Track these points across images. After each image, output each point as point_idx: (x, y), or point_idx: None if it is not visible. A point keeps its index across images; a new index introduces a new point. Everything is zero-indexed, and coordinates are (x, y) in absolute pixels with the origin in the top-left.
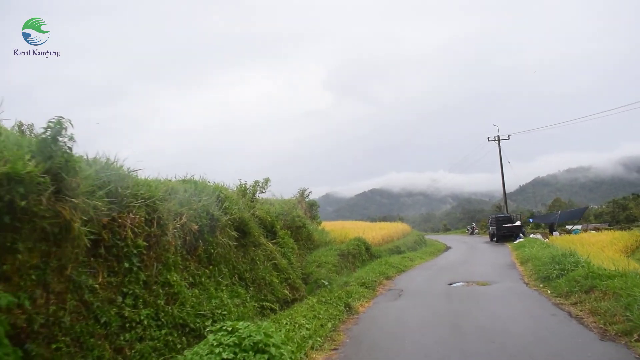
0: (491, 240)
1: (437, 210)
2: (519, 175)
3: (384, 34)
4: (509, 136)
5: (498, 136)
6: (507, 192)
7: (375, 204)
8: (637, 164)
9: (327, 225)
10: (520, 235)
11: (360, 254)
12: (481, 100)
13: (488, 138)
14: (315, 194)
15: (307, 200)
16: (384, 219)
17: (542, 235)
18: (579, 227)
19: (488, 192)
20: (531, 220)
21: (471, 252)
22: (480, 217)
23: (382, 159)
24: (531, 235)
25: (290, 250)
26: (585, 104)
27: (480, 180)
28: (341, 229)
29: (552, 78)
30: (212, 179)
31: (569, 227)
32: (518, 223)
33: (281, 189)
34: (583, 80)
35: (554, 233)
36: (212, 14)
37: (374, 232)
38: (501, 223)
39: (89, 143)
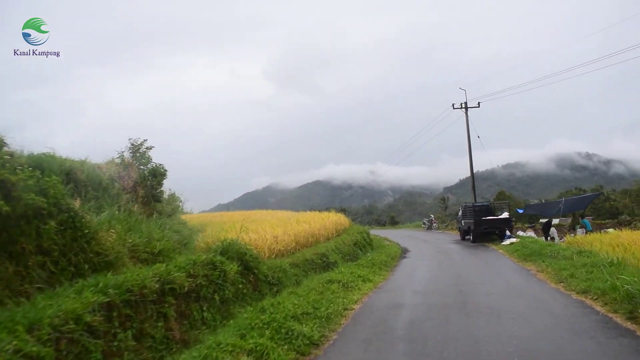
0: (463, 239)
1: (379, 203)
2: (458, 168)
3: (325, 24)
4: (478, 103)
5: (465, 103)
6: (447, 185)
7: (318, 196)
8: (567, 160)
9: (232, 216)
10: (508, 233)
11: (222, 287)
12: (422, 93)
13: (453, 105)
14: (257, 184)
15: (151, 166)
16: (327, 210)
17: (535, 233)
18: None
19: (428, 185)
20: (520, 211)
21: (451, 265)
22: (422, 210)
23: (325, 151)
24: (519, 233)
25: None
26: (521, 101)
27: (420, 173)
28: (241, 221)
29: (490, 75)
30: None
31: (554, 220)
32: (506, 215)
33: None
34: (521, 78)
35: (552, 231)
36: None
37: (287, 227)
38: (480, 215)
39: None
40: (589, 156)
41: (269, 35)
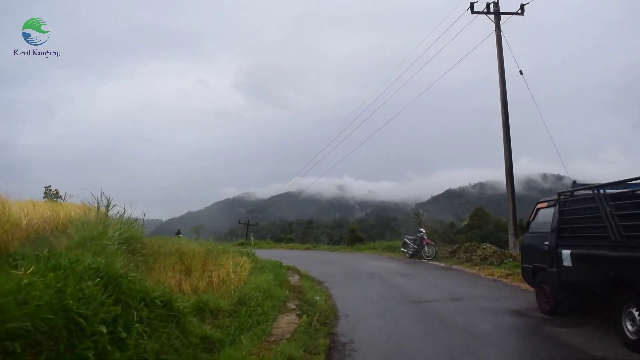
0: (555, 310)
1: (350, 217)
2: (427, 185)
3: (297, 40)
4: (522, 7)
5: (496, 3)
6: (419, 202)
7: (289, 208)
8: (532, 181)
9: None
10: None
11: None
12: (391, 110)
13: (472, 7)
14: (226, 194)
15: None
16: (297, 223)
17: None
18: None
19: (397, 201)
20: None
21: None
22: (394, 225)
23: (297, 164)
24: None
25: None
26: (488, 118)
27: (389, 189)
28: None
29: (458, 94)
30: None
31: None
32: None
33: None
34: (485, 97)
35: None
36: (132, 4)
37: None
38: None
39: None
40: (555, 179)
41: (240, 48)
